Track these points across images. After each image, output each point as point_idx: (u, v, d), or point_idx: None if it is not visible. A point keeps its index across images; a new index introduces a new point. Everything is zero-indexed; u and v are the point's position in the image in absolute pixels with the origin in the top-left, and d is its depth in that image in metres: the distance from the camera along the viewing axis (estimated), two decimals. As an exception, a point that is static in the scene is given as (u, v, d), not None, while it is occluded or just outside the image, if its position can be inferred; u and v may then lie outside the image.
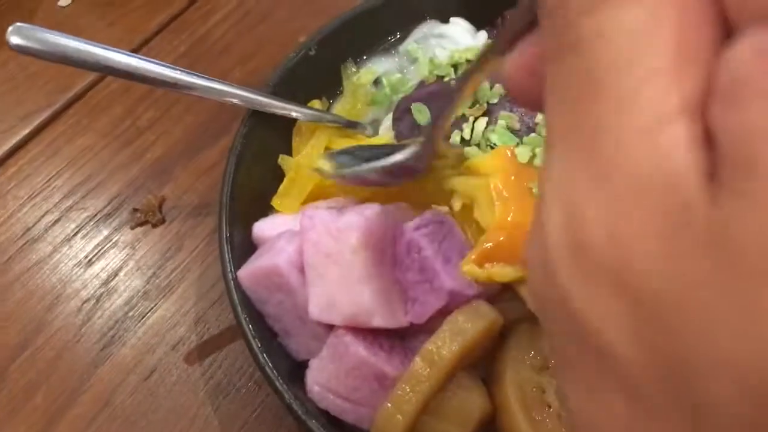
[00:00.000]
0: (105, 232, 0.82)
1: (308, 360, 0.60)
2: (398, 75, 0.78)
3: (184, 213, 0.84)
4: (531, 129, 0.65)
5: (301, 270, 0.59)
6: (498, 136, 0.64)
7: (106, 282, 0.79)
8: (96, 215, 0.83)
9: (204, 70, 0.69)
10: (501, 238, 0.57)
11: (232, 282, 0.61)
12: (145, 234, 0.82)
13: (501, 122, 0.65)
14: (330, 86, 0.79)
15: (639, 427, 0.18)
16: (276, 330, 0.63)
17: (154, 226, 0.83)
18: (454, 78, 0.70)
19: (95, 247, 0.81)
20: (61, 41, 0.60)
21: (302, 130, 0.74)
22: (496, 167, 0.61)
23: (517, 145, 0.63)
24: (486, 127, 0.66)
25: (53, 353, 0.74)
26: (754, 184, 0.15)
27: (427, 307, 0.57)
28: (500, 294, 0.61)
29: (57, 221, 0.83)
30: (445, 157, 0.64)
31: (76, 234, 0.82)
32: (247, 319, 0.60)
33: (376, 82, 0.79)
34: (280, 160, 0.72)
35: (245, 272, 0.61)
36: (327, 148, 0.72)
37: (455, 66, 0.72)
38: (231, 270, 0.62)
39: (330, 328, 0.58)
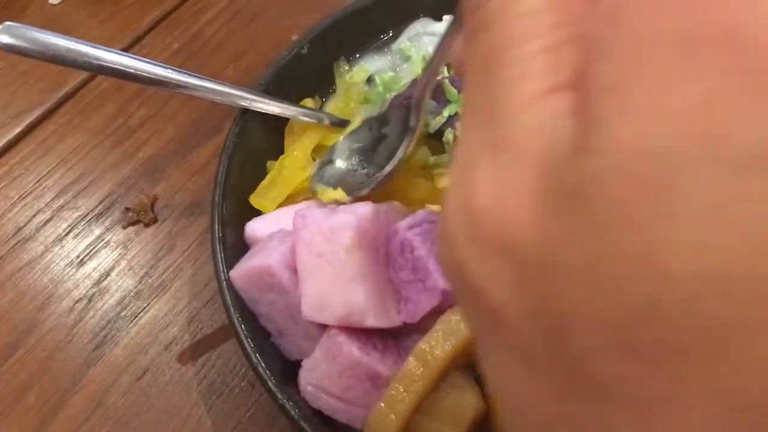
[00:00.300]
0: (97, 232, 0.82)
1: (301, 360, 0.60)
2: (391, 73, 0.78)
3: (177, 212, 0.83)
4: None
5: (294, 270, 0.58)
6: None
7: (98, 282, 0.79)
8: (88, 215, 0.83)
9: (197, 67, 0.68)
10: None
11: (224, 282, 0.61)
12: (137, 233, 0.82)
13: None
14: (323, 85, 0.78)
15: (531, 389, 0.19)
16: (269, 330, 0.62)
17: (147, 225, 0.82)
18: (447, 76, 0.70)
19: (87, 246, 0.81)
20: (51, 40, 0.59)
21: (294, 128, 0.73)
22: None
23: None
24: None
25: (45, 354, 0.74)
26: (601, 136, 0.16)
27: (420, 307, 0.57)
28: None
29: (48, 221, 0.82)
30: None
31: (67, 234, 0.82)
32: (240, 318, 0.60)
33: (369, 80, 0.79)
34: (268, 165, 0.73)
35: (238, 272, 0.61)
36: (319, 146, 0.72)
37: (447, 64, 0.72)
38: (223, 270, 0.62)
39: (323, 327, 0.58)
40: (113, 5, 1.00)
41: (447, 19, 0.80)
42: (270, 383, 0.57)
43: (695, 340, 0.15)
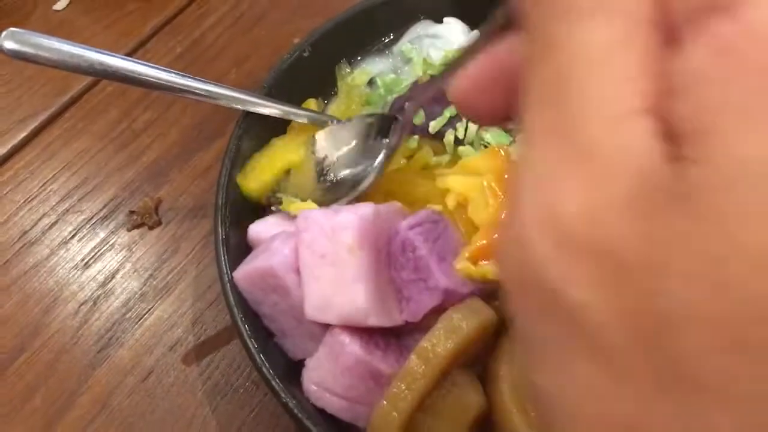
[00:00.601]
0: (102, 235, 0.83)
1: (304, 359, 0.60)
2: (392, 75, 0.79)
3: (181, 215, 0.84)
4: (524, 128, 0.65)
5: (297, 271, 0.59)
6: (491, 134, 0.65)
7: (103, 284, 0.79)
8: (92, 218, 0.84)
9: (199, 72, 0.69)
10: (495, 236, 0.58)
11: (228, 284, 0.62)
12: (141, 236, 0.83)
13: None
14: (325, 87, 0.79)
15: (611, 392, 0.19)
16: (272, 330, 0.63)
17: (151, 228, 0.83)
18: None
19: (92, 249, 0.82)
20: (54, 45, 0.60)
21: (296, 131, 0.74)
22: (490, 166, 0.61)
23: (511, 143, 0.63)
24: (480, 126, 0.66)
25: (51, 356, 0.75)
26: (708, 149, 0.17)
27: (422, 306, 0.57)
28: (495, 292, 0.61)
29: (54, 224, 0.83)
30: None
31: (72, 237, 0.82)
32: (243, 319, 0.60)
33: (371, 82, 0.79)
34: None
35: (241, 274, 0.61)
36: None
37: (447, 63, 0.72)
38: (227, 272, 0.62)
39: (326, 327, 0.58)
40: (116, 11, 1.01)
41: (449, 21, 0.81)
42: (273, 382, 0.57)
43: None
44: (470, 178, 0.62)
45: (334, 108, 0.78)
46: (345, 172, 0.69)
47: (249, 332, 0.60)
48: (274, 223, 0.66)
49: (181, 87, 0.65)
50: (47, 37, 0.60)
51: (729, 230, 0.16)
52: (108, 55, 0.62)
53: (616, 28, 0.19)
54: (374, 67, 0.80)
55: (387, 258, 0.60)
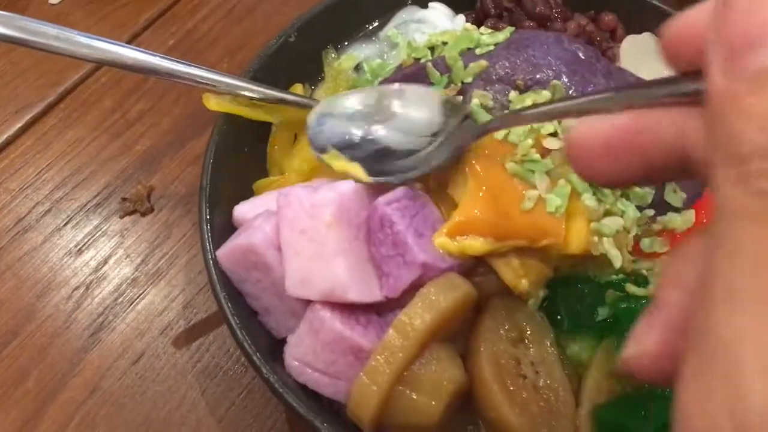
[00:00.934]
0: (95, 222, 0.84)
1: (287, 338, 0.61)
2: (379, 60, 0.79)
3: (172, 202, 0.85)
4: (504, 107, 0.66)
5: (278, 248, 0.60)
6: (472, 114, 0.65)
7: (96, 270, 0.80)
8: (86, 205, 0.85)
9: (193, 62, 0.70)
10: (474, 212, 0.58)
11: (211, 261, 0.62)
12: (134, 223, 0.84)
13: (475, 101, 0.66)
14: (311, 72, 0.80)
15: None
16: (255, 308, 0.64)
17: (143, 215, 0.84)
18: (430, 59, 0.71)
19: (85, 236, 0.83)
20: (41, 28, 0.61)
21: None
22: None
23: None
24: (461, 106, 0.67)
25: (44, 339, 0.76)
26: None
27: (401, 281, 0.58)
28: (475, 269, 0.62)
29: (48, 212, 0.84)
30: None
31: (66, 224, 0.84)
32: (226, 297, 0.61)
33: (357, 67, 0.80)
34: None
35: (223, 252, 0.62)
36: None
37: (432, 48, 0.73)
38: (210, 250, 0.63)
39: (307, 304, 0.59)
40: (111, 4, 1.02)
41: (434, 6, 0.81)
42: (255, 357, 0.58)
43: None
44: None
45: (321, 93, 0.79)
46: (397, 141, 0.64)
47: (231, 309, 0.60)
48: (260, 204, 0.67)
49: (165, 70, 0.66)
50: (33, 20, 0.61)
51: None
52: (93, 38, 0.63)
53: None
54: (361, 52, 0.81)
55: (367, 235, 0.60)
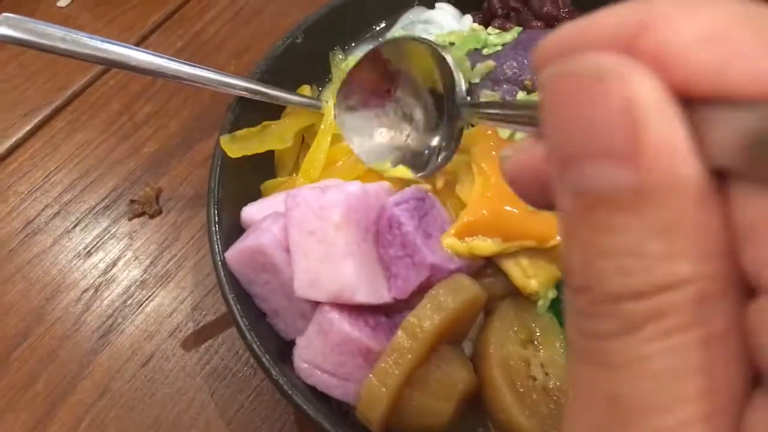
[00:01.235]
0: (103, 224, 0.84)
1: (296, 339, 0.61)
2: (386, 61, 0.79)
3: (181, 204, 0.85)
4: (512, 107, 0.66)
5: (287, 249, 0.60)
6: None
7: (105, 272, 0.81)
8: (94, 208, 0.85)
9: (200, 64, 0.70)
10: (482, 212, 0.58)
11: (219, 263, 0.62)
12: (142, 225, 0.84)
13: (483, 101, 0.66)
14: (319, 74, 0.80)
15: None
16: (264, 310, 0.64)
17: (151, 217, 0.84)
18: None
19: (94, 238, 0.83)
20: (49, 31, 0.61)
21: (291, 116, 0.75)
22: (477, 143, 0.62)
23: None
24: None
25: (53, 342, 0.76)
26: None
27: (409, 282, 0.57)
28: (484, 269, 0.61)
29: (57, 214, 0.85)
30: None
31: (75, 226, 0.84)
32: (235, 299, 0.61)
33: (365, 68, 0.80)
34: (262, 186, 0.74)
35: (232, 253, 0.62)
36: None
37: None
38: (219, 251, 0.63)
39: (316, 305, 0.59)
40: (119, 6, 1.03)
41: (441, 7, 0.81)
42: (264, 359, 0.58)
43: None
44: (458, 156, 0.62)
45: (328, 94, 0.78)
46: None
47: (240, 311, 0.60)
48: (268, 205, 0.67)
49: (172, 72, 0.66)
50: (41, 22, 0.61)
51: None
52: (100, 40, 0.63)
53: (679, 357, 0.19)
54: (368, 53, 0.81)
55: (375, 236, 0.60)
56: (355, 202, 0.58)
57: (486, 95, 0.66)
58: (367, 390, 0.55)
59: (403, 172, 0.66)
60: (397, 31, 0.81)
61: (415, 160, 0.66)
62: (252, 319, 0.61)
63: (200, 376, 0.75)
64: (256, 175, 0.73)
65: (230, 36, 1.00)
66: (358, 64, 0.69)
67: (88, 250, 0.82)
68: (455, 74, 0.61)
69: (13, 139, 0.90)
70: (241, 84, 0.70)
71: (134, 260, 0.82)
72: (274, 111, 0.74)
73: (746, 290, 0.19)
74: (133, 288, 0.80)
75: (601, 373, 0.20)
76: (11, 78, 0.95)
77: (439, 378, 0.56)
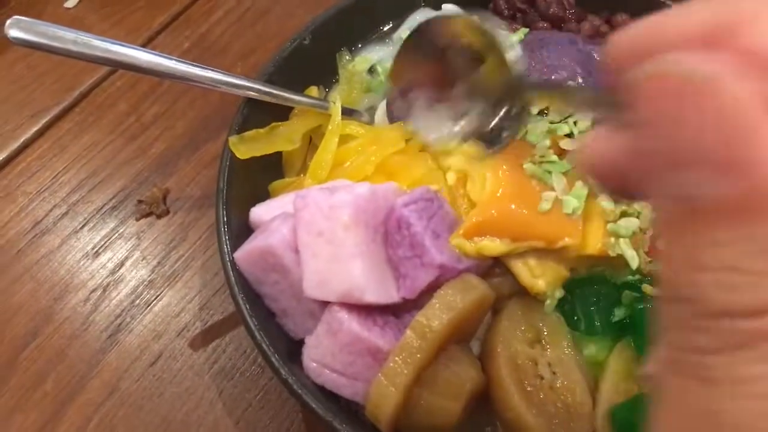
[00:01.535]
0: (111, 224, 0.85)
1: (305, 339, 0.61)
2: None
3: (188, 204, 0.86)
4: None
5: (296, 250, 0.60)
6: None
7: (113, 272, 0.81)
8: (102, 208, 0.86)
9: (207, 65, 0.70)
10: (492, 212, 0.58)
11: (229, 263, 0.63)
12: (150, 225, 0.84)
13: (490, 102, 0.66)
14: (326, 75, 0.80)
15: None
16: (273, 310, 0.64)
17: (159, 217, 0.85)
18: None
19: (102, 238, 0.83)
20: (59, 33, 0.61)
21: (299, 117, 0.75)
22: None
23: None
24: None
25: (62, 341, 0.76)
26: None
27: (418, 282, 0.58)
28: (492, 269, 0.62)
29: (65, 214, 0.85)
30: None
31: (83, 226, 0.84)
32: (244, 298, 0.61)
33: (371, 70, 0.80)
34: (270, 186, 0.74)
35: (241, 253, 0.62)
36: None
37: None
38: (228, 251, 0.63)
39: (325, 305, 0.59)
40: (125, 8, 1.03)
41: (447, 8, 0.81)
42: (273, 359, 0.58)
43: None
44: (469, 155, 0.63)
45: (335, 95, 0.79)
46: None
47: (249, 311, 0.61)
48: (276, 206, 0.67)
49: (180, 73, 0.67)
50: (51, 25, 0.61)
51: None
52: (110, 42, 0.63)
53: None
54: (374, 54, 0.81)
55: (384, 237, 0.60)
56: (363, 202, 0.58)
57: (493, 96, 0.66)
58: (376, 389, 0.56)
59: (470, 149, 0.62)
60: (403, 32, 0.81)
61: (480, 137, 0.66)
62: (261, 319, 0.61)
63: (208, 375, 0.75)
64: (264, 175, 0.74)
65: (236, 37, 1.00)
66: (408, 43, 0.68)
67: (96, 250, 0.83)
68: (505, 49, 0.61)
69: (21, 140, 0.90)
70: (249, 85, 0.70)
71: (142, 260, 0.82)
72: (282, 112, 0.74)
73: None
74: (141, 288, 0.80)
75: (698, 386, 0.19)
76: (19, 79, 0.96)
77: (447, 377, 0.57)
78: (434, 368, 0.57)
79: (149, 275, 0.81)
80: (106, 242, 0.83)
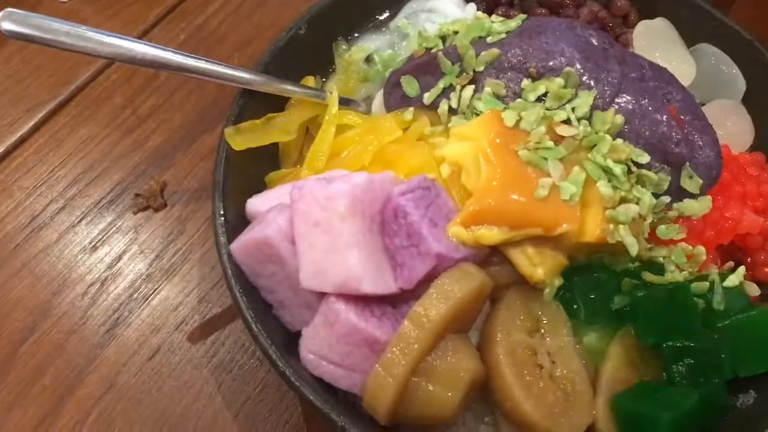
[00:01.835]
0: (109, 218, 0.84)
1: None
2: (389, 51, 0.79)
3: (186, 197, 0.85)
4: (517, 95, 0.65)
5: (292, 241, 0.59)
6: (484, 103, 0.64)
7: (111, 266, 0.81)
8: (99, 202, 0.85)
9: (203, 57, 0.70)
10: (488, 200, 0.58)
11: (225, 255, 0.62)
12: (147, 219, 0.84)
13: (487, 89, 0.65)
14: (322, 64, 0.80)
15: None
16: (270, 302, 0.63)
17: (156, 210, 0.84)
18: (441, 49, 0.70)
19: (99, 232, 0.83)
20: (52, 25, 0.61)
21: (295, 108, 0.74)
22: (483, 131, 0.61)
23: (504, 109, 0.63)
24: (473, 95, 0.66)
25: (60, 336, 0.76)
26: None
27: (415, 272, 0.57)
28: (490, 258, 0.61)
29: (62, 209, 0.85)
30: None
31: (80, 221, 0.84)
32: (241, 291, 0.61)
33: (368, 59, 0.80)
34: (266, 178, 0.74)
35: (237, 245, 0.62)
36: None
37: (443, 38, 0.73)
38: (224, 243, 0.63)
39: (321, 296, 0.59)
40: (121, 1, 1.02)
41: (462, 10, 0.80)
42: (270, 351, 0.58)
43: None
44: (464, 145, 0.62)
45: (332, 85, 0.78)
46: None
47: (246, 303, 0.60)
48: (272, 197, 0.67)
49: (176, 64, 0.66)
50: (44, 17, 0.61)
51: None
52: (103, 33, 0.62)
53: None
54: (371, 43, 0.80)
55: (381, 226, 0.60)
56: (360, 192, 0.58)
57: (491, 83, 0.65)
58: (374, 380, 0.55)
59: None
60: (400, 20, 0.80)
61: None
62: (258, 311, 0.61)
63: (207, 369, 0.75)
64: (261, 166, 0.73)
65: (233, 28, 0.99)
66: None
67: (93, 244, 0.82)
68: None
69: (18, 134, 0.90)
70: (244, 76, 0.69)
71: (140, 254, 0.82)
72: (278, 103, 0.74)
73: None
74: (138, 282, 0.80)
75: None
76: (15, 73, 0.95)
77: (445, 367, 0.56)
78: (432, 358, 0.56)
79: (147, 269, 0.81)
80: (103, 236, 0.83)
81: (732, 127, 0.74)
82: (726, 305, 0.62)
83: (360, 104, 0.77)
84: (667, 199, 0.63)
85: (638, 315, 0.61)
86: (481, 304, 0.60)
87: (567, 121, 0.62)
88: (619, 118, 0.62)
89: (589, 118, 0.63)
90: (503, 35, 0.68)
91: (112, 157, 0.88)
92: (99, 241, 0.82)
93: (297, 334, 0.62)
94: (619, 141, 0.62)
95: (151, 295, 0.79)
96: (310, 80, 0.77)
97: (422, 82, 0.70)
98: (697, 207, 0.63)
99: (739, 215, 0.67)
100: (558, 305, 0.62)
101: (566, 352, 0.60)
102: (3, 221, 0.84)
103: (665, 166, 0.64)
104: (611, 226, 0.58)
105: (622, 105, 0.64)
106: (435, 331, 0.55)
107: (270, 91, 0.71)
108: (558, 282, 0.60)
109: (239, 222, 0.67)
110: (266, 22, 1.00)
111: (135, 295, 0.79)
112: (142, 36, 0.99)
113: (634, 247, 0.58)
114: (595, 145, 0.61)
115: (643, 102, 0.64)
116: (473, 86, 0.66)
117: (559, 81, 0.64)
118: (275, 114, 0.72)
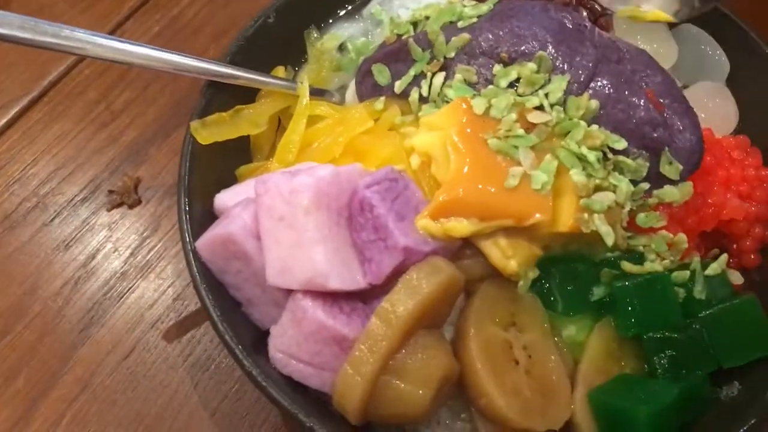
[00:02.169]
0: (83, 216, 0.82)
1: (272, 328, 0.59)
2: (363, 39, 0.77)
3: (160, 193, 0.84)
4: (489, 81, 0.63)
5: (258, 237, 0.58)
6: (455, 90, 0.62)
7: (85, 264, 0.79)
8: (73, 199, 0.84)
9: (178, 50, 0.68)
10: (457, 191, 0.56)
11: (191, 253, 0.61)
12: (122, 216, 0.82)
13: (458, 76, 0.63)
14: (294, 54, 0.78)
15: None
16: (238, 299, 0.62)
17: (131, 207, 0.83)
18: (412, 35, 0.68)
19: (73, 230, 0.81)
20: (28, 23, 0.59)
21: (265, 99, 0.72)
22: (452, 120, 0.59)
23: (473, 96, 0.61)
24: (444, 83, 0.64)
25: (33, 337, 0.74)
26: None
27: (383, 266, 0.55)
28: (462, 251, 0.59)
29: (35, 207, 0.83)
30: None
31: (53, 219, 0.82)
32: (207, 288, 0.59)
33: (341, 47, 0.78)
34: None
35: (202, 242, 0.60)
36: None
37: (415, 23, 0.70)
38: (189, 241, 0.61)
39: (289, 293, 0.57)
40: (94, -7, 1.00)
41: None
42: (237, 350, 0.56)
43: None
44: (433, 135, 0.60)
45: (304, 75, 0.76)
46: None
47: (212, 301, 0.59)
48: (241, 191, 0.65)
49: (139, 56, 0.64)
50: (7, 14, 0.58)
51: None
52: (62, 27, 0.60)
53: None
54: (344, 31, 0.78)
55: (348, 220, 0.58)
56: (325, 185, 0.56)
57: (462, 69, 0.63)
58: (342, 379, 0.54)
59: (658, 14, 0.67)
60: (373, 6, 0.78)
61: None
62: (226, 309, 0.60)
63: (182, 368, 0.73)
64: (232, 160, 0.71)
65: (208, 20, 0.97)
66: None
67: (67, 242, 0.81)
68: None
69: (-11, 133, 0.88)
70: (210, 68, 0.68)
71: (114, 252, 0.80)
72: (248, 94, 0.72)
73: None
74: (113, 280, 0.78)
75: None
76: (-14, 71, 0.94)
77: (416, 364, 0.54)
78: (402, 355, 0.55)
79: (122, 267, 0.79)
80: (77, 234, 0.81)
81: (715, 109, 0.72)
82: (708, 294, 0.60)
83: (333, 94, 0.75)
84: (646, 186, 0.61)
85: (618, 306, 0.59)
86: (453, 299, 0.58)
87: (540, 108, 0.60)
88: (594, 103, 0.60)
89: (563, 103, 0.61)
90: (474, 19, 0.65)
91: (86, 154, 0.87)
92: (73, 239, 0.81)
93: (267, 333, 0.60)
94: (594, 127, 0.60)
95: (125, 293, 0.77)
96: (280, 71, 0.75)
97: (393, 70, 0.68)
98: (678, 193, 0.61)
99: (722, 201, 0.65)
100: (534, 298, 0.60)
101: (543, 346, 0.59)
102: (-25, 221, 0.82)
103: (644, 152, 0.62)
104: (586, 215, 0.56)
105: (597, 89, 0.61)
106: (403, 328, 0.53)
107: (238, 82, 0.70)
108: (533, 274, 0.58)
109: (208, 218, 0.65)
110: (243, 12, 0.97)
111: (110, 294, 0.77)
112: (116, 28, 0.97)
113: (609, 237, 0.56)
114: (569, 132, 0.59)
115: (619, 86, 0.62)
116: (444, 73, 0.64)
117: (532, 66, 0.61)
118: (244, 106, 0.70)
